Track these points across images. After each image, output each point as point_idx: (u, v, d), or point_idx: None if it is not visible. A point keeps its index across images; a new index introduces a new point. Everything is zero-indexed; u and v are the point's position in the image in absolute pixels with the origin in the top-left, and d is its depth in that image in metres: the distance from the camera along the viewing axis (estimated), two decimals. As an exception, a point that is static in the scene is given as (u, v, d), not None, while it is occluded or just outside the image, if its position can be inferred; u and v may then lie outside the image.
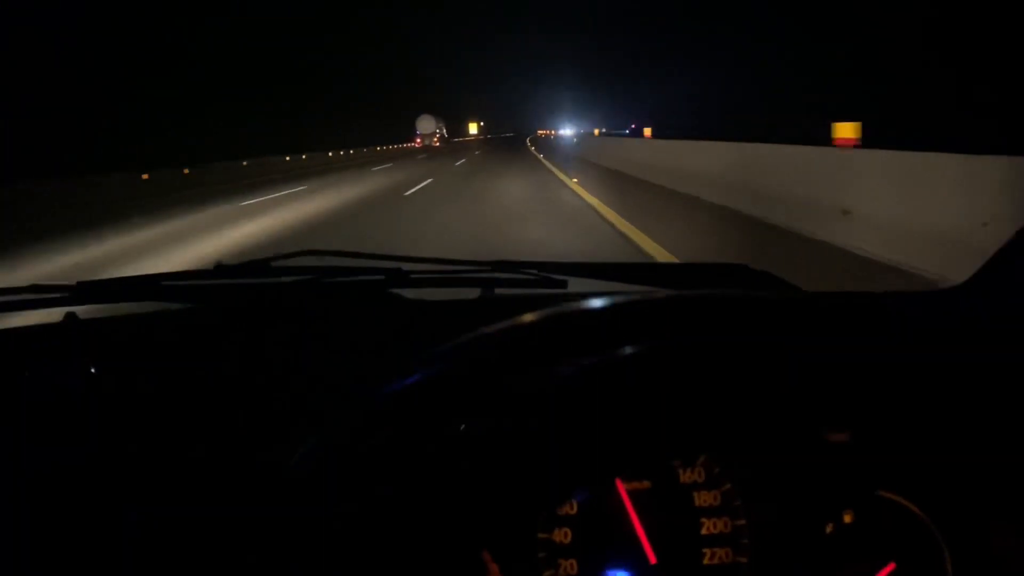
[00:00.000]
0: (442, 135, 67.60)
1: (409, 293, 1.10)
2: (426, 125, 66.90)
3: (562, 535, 0.67)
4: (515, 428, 0.60)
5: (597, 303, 0.72)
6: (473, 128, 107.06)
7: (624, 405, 0.62)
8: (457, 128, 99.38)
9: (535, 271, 1.09)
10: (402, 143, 62.16)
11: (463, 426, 0.60)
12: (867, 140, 7.38)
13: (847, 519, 0.68)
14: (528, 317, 0.71)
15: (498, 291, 1.10)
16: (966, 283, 0.91)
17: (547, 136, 66.14)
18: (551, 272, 1.09)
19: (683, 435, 0.67)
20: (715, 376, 0.64)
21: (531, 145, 46.44)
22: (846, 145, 7.28)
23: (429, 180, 16.69)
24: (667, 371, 0.63)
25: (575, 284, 1.07)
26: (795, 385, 0.64)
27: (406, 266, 1.10)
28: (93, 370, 0.78)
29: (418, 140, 65.38)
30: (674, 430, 0.65)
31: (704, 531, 0.68)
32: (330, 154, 36.73)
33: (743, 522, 0.68)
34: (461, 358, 0.69)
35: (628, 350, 0.63)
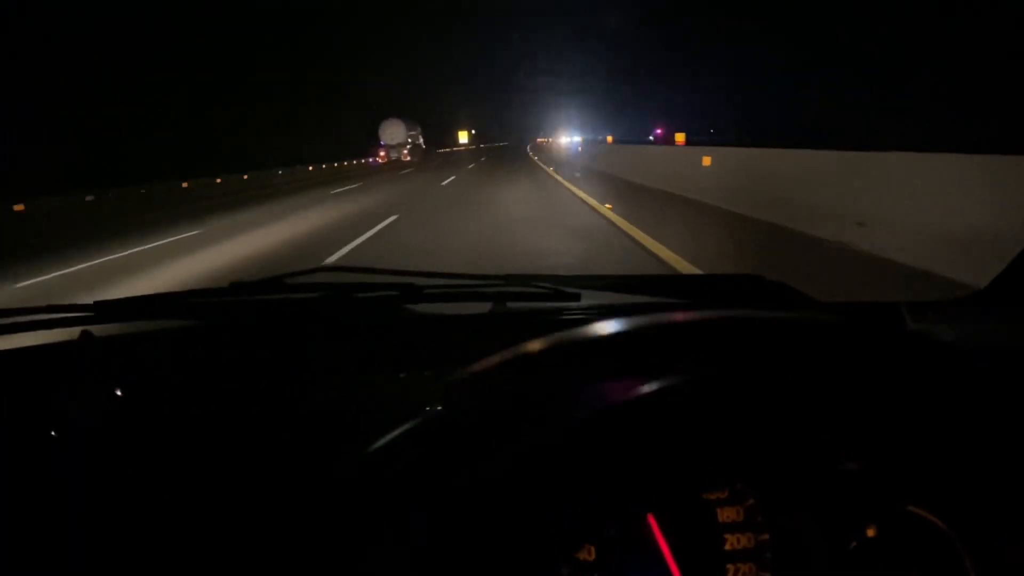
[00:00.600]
0: (417, 145, 50.34)
1: (423, 308, 1.10)
2: (393, 133, 49.11)
3: (586, 552, 0.67)
4: (546, 465, 0.59)
5: (619, 326, 0.71)
6: (463, 137, 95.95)
7: (653, 442, 0.61)
8: (442, 137, 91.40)
9: (548, 284, 1.10)
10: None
11: (490, 462, 0.58)
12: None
13: (870, 534, 0.68)
14: (552, 340, 0.70)
15: (511, 305, 1.11)
16: (982, 292, 0.92)
17: (546, 144, 53.38)
18: (564, 285, 1.09)
19: (712, 470, 0.67)
20: (740, 407, 0.63)
21: (533, 155, 39.13)
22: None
23: (393, 217, 10.18)
24: (694, 405, 0.62)
25: (588, 297, 1.07)
26: (816, 414, 0.63)
27: (419, 281, 1.10)
28: (119, 392, 0.78)
29: (381, 154, 47.77)
30: (704, 465, 0.65)
31: (728, 547, 0.68)
32: (280, 172, 29.10)
33: (766, 537, 0.68)
34: (490, 389, 0.69)
35: (655, 384, 0.61)
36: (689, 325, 0.75)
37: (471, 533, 0.55)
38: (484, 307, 1.12)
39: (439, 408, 0.66)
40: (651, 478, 0.63)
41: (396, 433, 0.64)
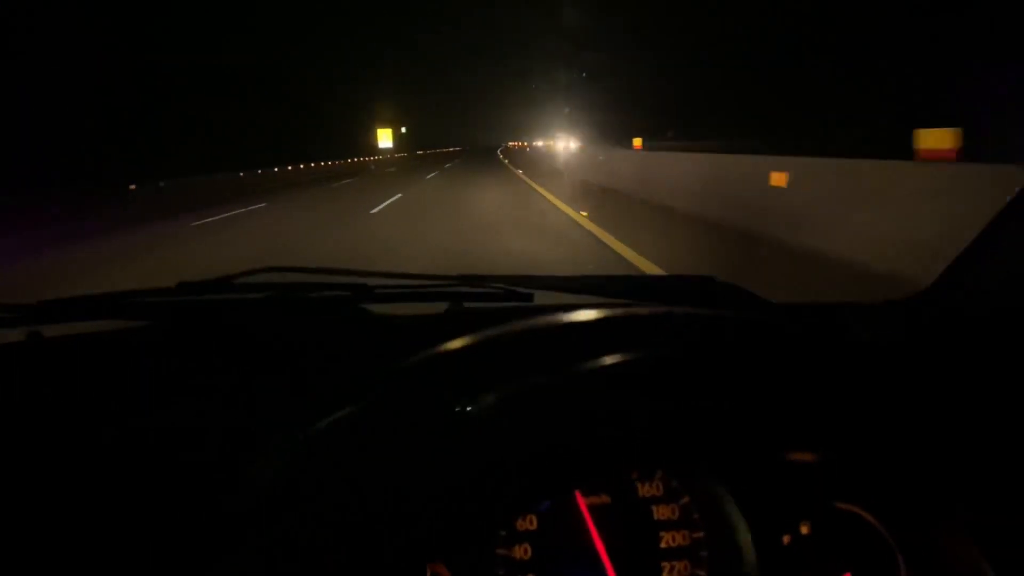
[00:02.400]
0: None
1: (376, 309, 1.09)
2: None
3: (522, 551, 0.67)
4: (476, 438, 0.60)
5: (562, 317, 0.73)
6: (384, 139, 63.30)
7: (584, 418, 0.62)
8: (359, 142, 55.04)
9: (501, 285, 1.10)
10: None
11: (424, 436, 0.60)
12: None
13: (804, 530, 0.69)
14: (492, 332, 0.71)
15: (466, 305, 1.10)
16: (925, 291, 0.93)
17: (523, 150, 47.61)
18: (517, 286, 1.09)
19: (644, 448, 0.67)
20: (677, 391, 0.64)
21: (519, 169, 25.84)
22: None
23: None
24: (629, 384, 0.63)
25: (541, 298, 1.07)
26: (757, 403, 0.64)
27: (372, 281, 1.09)
28: (54, 392, 0.77)
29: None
30: (636, 443, 0.65)
31: (663, 544, 0.68)
32: (289, 168, 28.04)
33: (701, 535, 0.69)
34: (424, 375, 0.69)
35: (591, 364, 0.63)
36: (627, 320, 0.76)
37: (409, 503, 0.57)
38: (438, 307, 1.11)
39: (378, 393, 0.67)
40: (577, 454, 0.64)
41: (332, 418, 0.64)
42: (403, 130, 72.99)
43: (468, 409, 0.62)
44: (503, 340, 0.73)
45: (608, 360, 0.64)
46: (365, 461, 0.60)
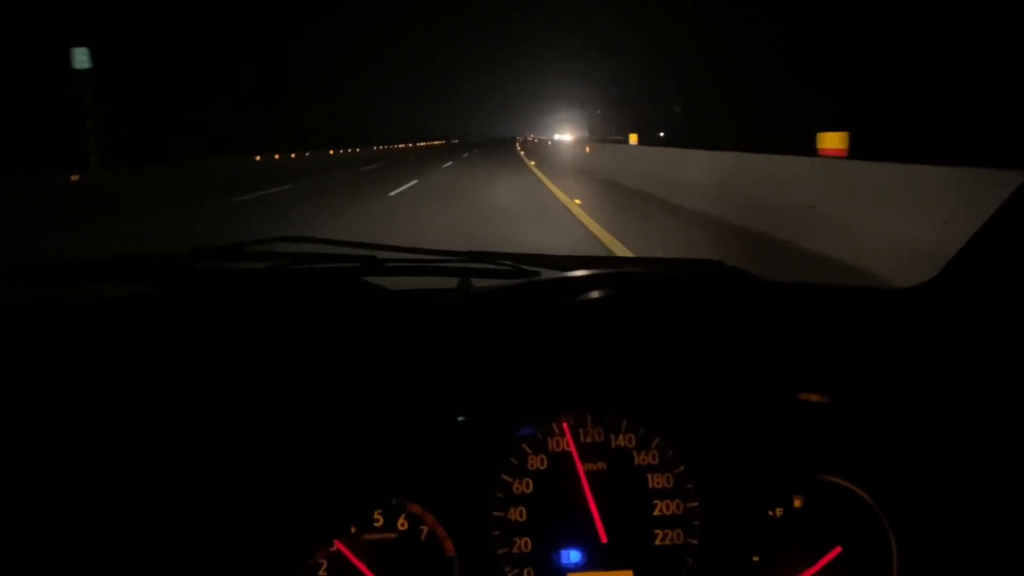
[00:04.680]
0: None
1: (385, 281, 1.11)
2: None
3: (517, 514, 0.69)
4: (463, 366, 0.63)
5: (560, 275, 0.75)
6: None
7: (572, 345, 0.64)
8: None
9: (510, 262, 1.11)
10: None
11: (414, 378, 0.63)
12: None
13: (797, 504, 0.70)
14: (494, 286, 0.74)
15: (474, 281, 1.11)
16: (931, 282, 0.93)
17: (533, 142, 46.97)
18: (525, 264, 1.10)
19: (622, 375, 0.69)
20: (661, 327, 0.66)
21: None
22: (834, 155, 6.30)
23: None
24: (612, 321, 0.65)
25: (548, 275, 1.08)
26: (740, 347, 0.66)
27: (381, 254, 1.10)
28: (66, 351, 0.79)
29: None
30: (614, 369, 0.67)
31: (656, 512, 0.70)
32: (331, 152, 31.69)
33: (695, 504, 0.70)
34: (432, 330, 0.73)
35: (582, 297, 0.67)
36: (627, 279, 0.78)
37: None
38: (446, 282, 1.13)
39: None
40: (563, 376, 0.67)
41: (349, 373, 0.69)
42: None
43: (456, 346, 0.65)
44: (502, 293, 0.76)
45: (594, 300, 0.66)
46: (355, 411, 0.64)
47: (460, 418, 0.68)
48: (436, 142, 75.46)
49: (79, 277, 1.05)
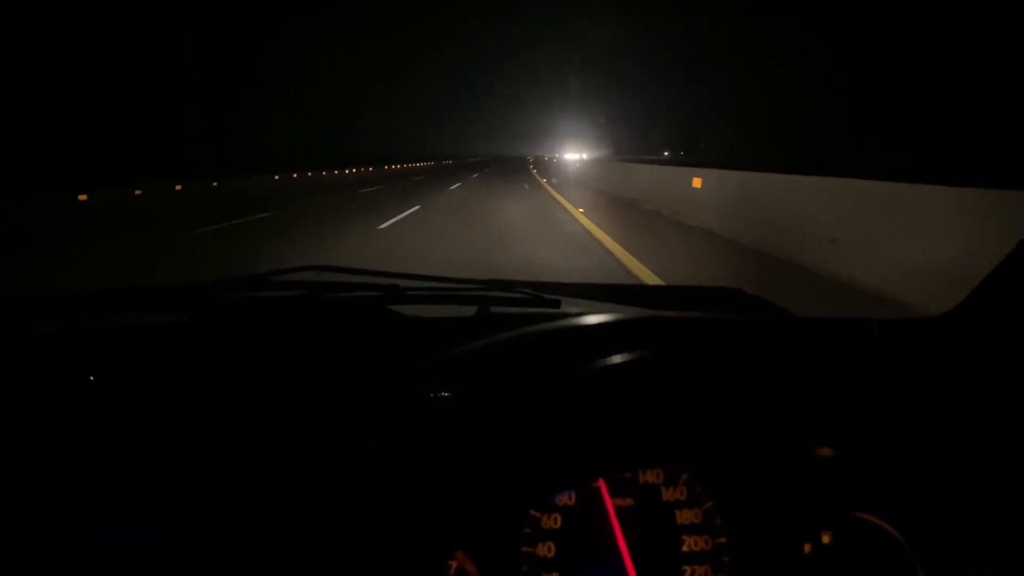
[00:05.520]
0: None
1: (406, 310, 1.12)
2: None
3: (546, 549, 0.69)
4: (505, 426, 0.63)
5: (590, 319, 0.75)
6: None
7: (610, 408, 0.64)
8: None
9: (529, 290, 1.11)
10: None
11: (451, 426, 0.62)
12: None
13: (825, 539, 0.69)
14: (523, 331, 0.73)
15: (493, 309, 1.12)
16: (951, 312, 0.93)
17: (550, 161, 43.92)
18: (545, 292, 1.11)
19: (666, 440, 0.69)
20: (701, 387, 0.66)
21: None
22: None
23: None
24: (654, 379, 0.65)
25: (568, 304, 1.09)
26: (782, 401, 0.66)
27: (403, 283, 1.12)
28: (92, 378, 0.80)
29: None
30: (658, 434, 0.67)
31: (685, 548, 0.69)
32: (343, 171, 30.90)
33: (724, 540, 0.70)
34: (455, 367, 0.72)
35: (616, 359, 0.65)
36: (654, 322, 0.78)
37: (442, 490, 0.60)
38: (467, 311, 1.14)
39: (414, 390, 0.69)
40: (602, 446, 0.66)
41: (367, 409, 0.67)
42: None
43: (489, 399, 0.65)
44: (529, 339, 0.76)
45: (630, 356, 0.66)
46: (385, 450, 0.63)
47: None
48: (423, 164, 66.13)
49: (105, 306, 1.07)
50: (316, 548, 0.60)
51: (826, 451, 0.67)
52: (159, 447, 0.76)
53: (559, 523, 0.69)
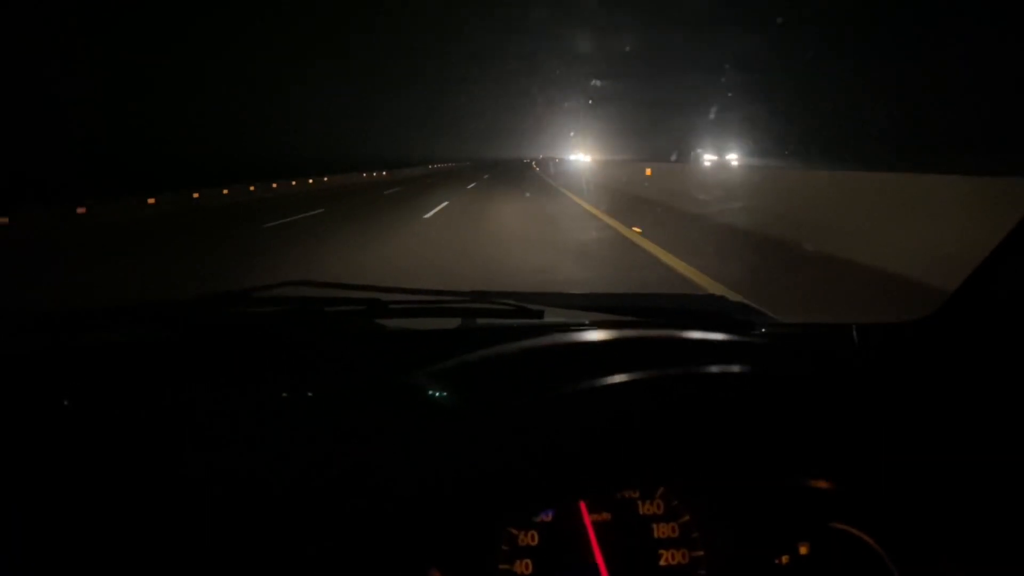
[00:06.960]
0: None
1: (390, 323, 1.12)
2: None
3: (523, 567, 0.69)
4: (487, 448, 0.63)
5: (574, 338, 0.75)
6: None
7: (592, 430, 0.64)
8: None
9: (512, 302, 1.11)
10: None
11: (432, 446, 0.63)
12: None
13: (803, 551, 0.69)
14: (506, 349, 0.73)
15: (478, 321, 1.12)
16: (931, 316, 0.93)
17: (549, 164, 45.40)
18: (528, 303, 1.10)
19: (648, 462, 0.69)
20: (681, 412, 0.66)
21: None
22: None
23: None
24: (637, 404, 0.65)
25: (551, 315, 1.09)
26: (760, 425, 0.66)
27: (386, 296, 1.11)
28: (66, 403, 0.79)
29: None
30: (639, 458, 0.67)
31: (663, 562, 0.69)
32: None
33: (701, 553, 0.70)
34: (434, 385, 0.72)
35: (598, 382, 0.65)
36: (637, 341, 0.78)
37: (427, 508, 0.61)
38: (451, 323, 1.13)
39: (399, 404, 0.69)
40: (582, 467, 0.66)
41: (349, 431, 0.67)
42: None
43: (472, 418, 0.65)
44: (512, 355, 0.76)
45: (615, 378, 0.66)
46: (367, 465, 0.64)
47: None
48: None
49: (87, 323, 1.07)
50: (292, 566, 0.60)
51: (808, 481, 0.67)
52: (135, 464, 0.76)
53: (536, 540, 0.69)
